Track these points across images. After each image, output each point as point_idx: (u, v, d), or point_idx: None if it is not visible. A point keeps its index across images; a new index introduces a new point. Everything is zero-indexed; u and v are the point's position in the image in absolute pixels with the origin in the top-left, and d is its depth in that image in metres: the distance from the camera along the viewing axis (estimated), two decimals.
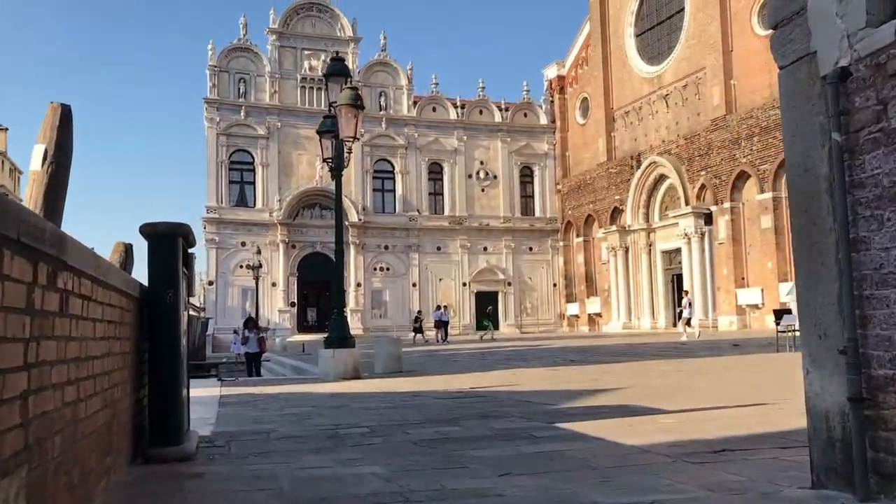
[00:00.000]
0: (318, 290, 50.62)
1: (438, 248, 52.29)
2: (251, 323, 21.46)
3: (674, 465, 4.23)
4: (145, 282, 5.15)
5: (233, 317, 45.01)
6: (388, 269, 51.25)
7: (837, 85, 3.08)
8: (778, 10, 3.48)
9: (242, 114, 48.91)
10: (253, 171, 49.48)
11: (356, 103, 12.51)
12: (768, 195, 36.39)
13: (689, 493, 3.52)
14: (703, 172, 40.45)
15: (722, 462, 4.24)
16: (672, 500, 3.40)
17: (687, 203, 41.46)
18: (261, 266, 42.81)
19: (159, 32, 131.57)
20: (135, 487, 4.15)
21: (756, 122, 37.09)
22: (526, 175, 55.28)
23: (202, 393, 10.62)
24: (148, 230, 5.15)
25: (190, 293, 6.89)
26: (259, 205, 49.08)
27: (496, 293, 53.07)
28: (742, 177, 38.21)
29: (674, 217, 42.12)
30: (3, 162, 70.05)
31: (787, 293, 20.29)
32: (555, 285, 54.40)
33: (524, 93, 56.55)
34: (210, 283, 48.25)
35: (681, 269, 42.09)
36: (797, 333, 16.96)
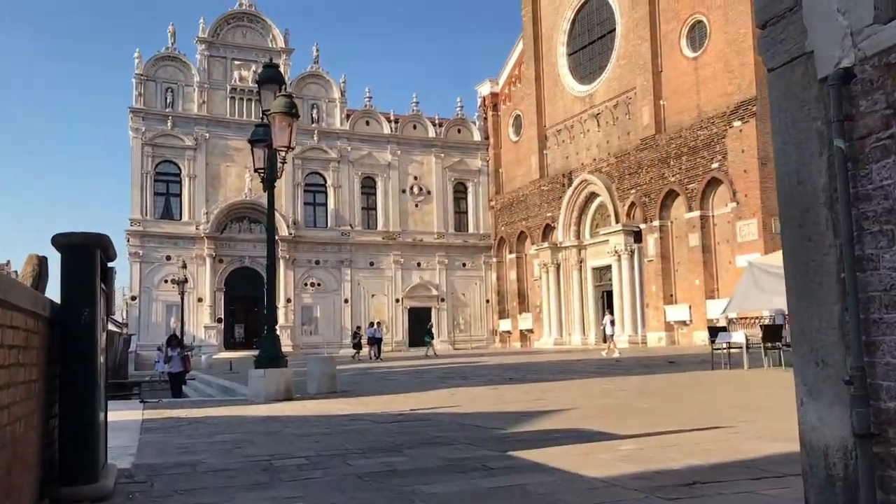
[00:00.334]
0: (247, 305, 49.51)
1: (371, 264, 51.72)
2: (175, 340, 20.53)
3: (647, 501, 3.90)
4: (59, 299, 4.58)
5: (157, 333, 43.63)
6: (319, 284, 50.40)
7: (840, 87, 2.81)
8: (767, 7, 3.20)
9: (169, 124, 47.60)
10: (179, 182, 48.13)
11: (291, 111, 12.01)
12: (696, 214, 37.03)
13: None
14: (632, 191, 40.99)
15: (697, 498, 3.94)
16: None
17: (617, 221, 41.94)
18: (186, 281, 41.52)
19: (84, 38, 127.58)
20: None
21: (684, 142, 37.77)
22: (460, 191, 55.24)
23: (122, 417, 9.92)
24: (61, 241, 4.59)
25: (109, 311, 6.29)
26: (185, 217, 47.74)
27: (429, 309, 52.71)
28: (671, 195, 38.82)
29: (604, 234, 42.55)
30: None
31: (722, 311, 20.48)
32: (487, 301, 54.37)
33: (458, 109, 56.69)
34: (133, 299, 46.65)
35: (611, 285, 42.50)
36: (732, 350, 17.10)
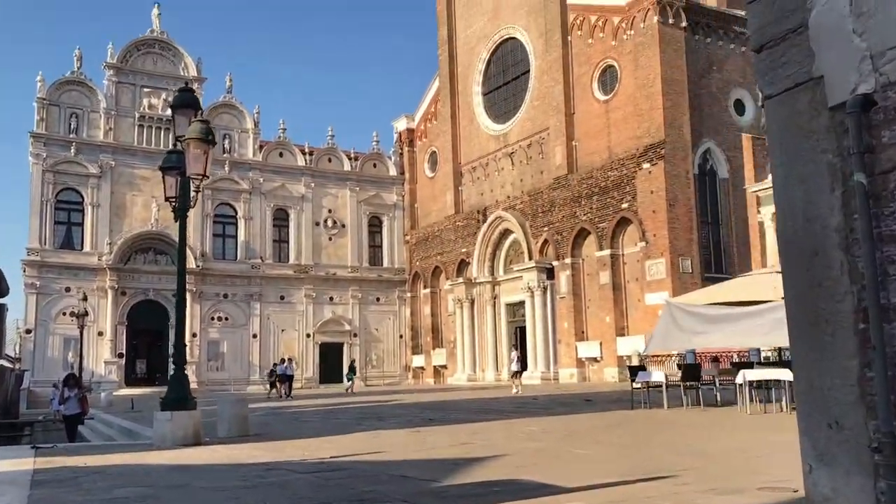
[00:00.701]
0: (150, 340, 47.71)
1: (282, 298, 50.48)
2: (72, 380, 19.12)
3: None
4: None
5: (53, 368, 41.54)
6: (226, 318, 48.84)
7: (860, 116, 2.53)
8: (765, 29, 2.92)
9: (73, 150, 45.69)
10: (82, 211, 46.11)
11: (207, 138, 11.35)
12: (606, 252, 37.61)
13: None
14: (545, 228, 41.39)
15: None
16: None
17: (530, 257, 42.24)
18: (87, 314, 39.42)
19: None
20: None
21: (595, 182, 38.44)
22: (374, 225, 54.75)
23: (10, 467, 8.96)
24: None
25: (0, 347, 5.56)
26: (87, 248, 45.68)
27: (341, 345, 51.72)
28: (582, 234, 39.37)
29: (518, 271, 42.78)
30: None
31: (643, 351, 20.54)
32: (401, 337, 53.76)
33: (374, 143, 56.52)
34: (28, 332, 44.18)
35: (524, 321, 42.64)
36: (650, 389, 17.07)
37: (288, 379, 34.57)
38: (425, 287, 52.31)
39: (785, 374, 13.69)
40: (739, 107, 38.45)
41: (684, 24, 36.53)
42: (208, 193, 47.87)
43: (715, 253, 37.09)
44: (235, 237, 50.11)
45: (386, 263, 54.47)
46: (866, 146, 2.52)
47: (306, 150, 53.02)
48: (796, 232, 2.81)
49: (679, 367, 18.71)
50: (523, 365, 40.97)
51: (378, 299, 53.56)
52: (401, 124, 56.63)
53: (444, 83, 51.39)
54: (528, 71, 44.67)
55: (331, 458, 9.04)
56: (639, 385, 16.80)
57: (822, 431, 2.69)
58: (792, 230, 2.83)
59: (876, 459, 2.46)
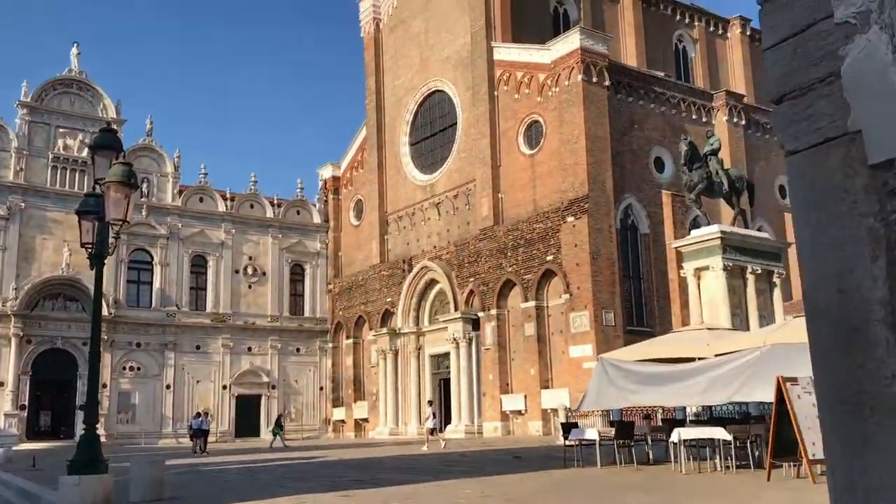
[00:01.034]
0: (55, 390, 45.22)
1: (198, 347, 48.73)
2: None
3: None
4: None
5: None
6: (139, 368, 46.80)
7: None
8: (787, 78, 2.64)
9: None
10: None
11: (129, 181, 10.68)
12: (531, 304, 37.70)
13: None
14: (471, 279, 41.31)
15: None
16: None
17: (456, 308, 42.00)
18: None
19: None
20: None
21: (521, 234, 38.68)
22: (297, 273, 53.68)
23: None
24: None
25: None
26: None
27: (259, 397, 50.08)
28: (508, 285, 39.41)
29: (443, 321, 42.41)
30: None
31: (576, 408, 20.24)
32: (321, 389, 52.41)
33: (298, 190, 55.78)
34: None
35: (449, 373, 42.17)
36: (582, 447, 16.78)
37: (203, 434, 33.07)
38: (348, 337, 51.35)
39: (719, 433, 13.60)
40: (659, 164, 39.50)
41: (607, 82, 37.45)
42: (124, 238, 45.95)
43: (637, 306, 37.57)
44: (151, 284, 48.33)
45: (307, 313, 53.31)
46: None
47: (227, 196, 51.90)
48: (829, 304, 2.50)
49: (611, 423, 18.51)
50: (447, 418, 40.41)
51: (298, 350, 52.25)
52: (326, 172, 56.13)
53: (371, 132, 51.27)
54: (456, 123, 44.99)
55: None
56: (572, 442, 16.49)
57: None
58: (824, 302, 2.52)
59: None
